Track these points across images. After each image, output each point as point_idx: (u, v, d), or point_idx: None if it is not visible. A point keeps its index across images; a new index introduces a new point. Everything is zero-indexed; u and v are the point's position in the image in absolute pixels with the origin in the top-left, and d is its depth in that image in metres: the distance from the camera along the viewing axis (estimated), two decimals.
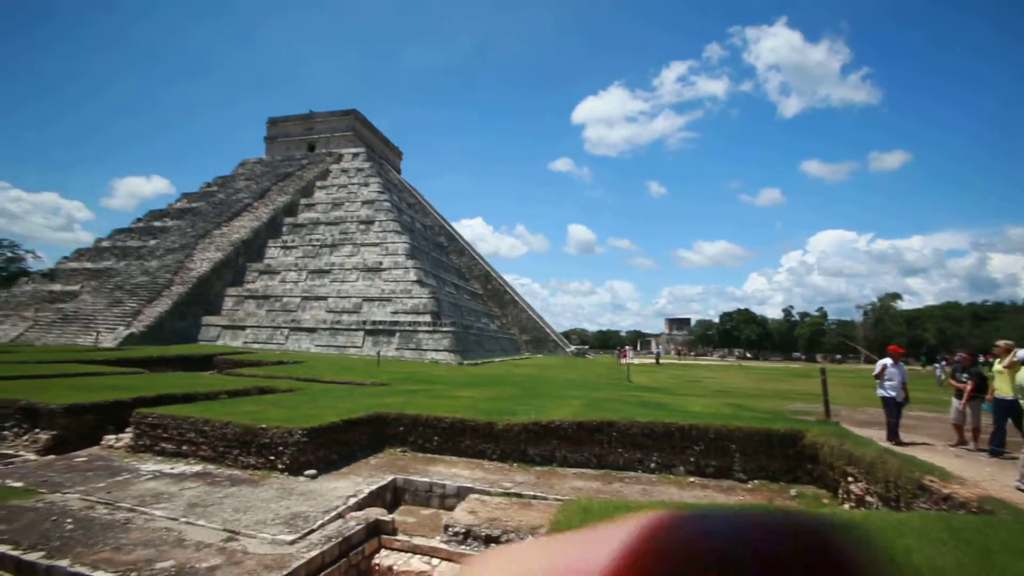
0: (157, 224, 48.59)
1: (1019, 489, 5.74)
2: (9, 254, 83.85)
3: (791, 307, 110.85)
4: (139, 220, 50.68)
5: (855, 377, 34.59)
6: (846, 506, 6.96)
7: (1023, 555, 3.67)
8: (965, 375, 8.95)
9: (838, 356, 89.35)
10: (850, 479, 7.03)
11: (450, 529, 5.73)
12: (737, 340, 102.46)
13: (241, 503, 6.18)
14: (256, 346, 32.92)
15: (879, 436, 8.89)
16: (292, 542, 5.18)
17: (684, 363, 57.74)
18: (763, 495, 7.69)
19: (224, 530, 5.39)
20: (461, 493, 7.19)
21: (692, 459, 8.60)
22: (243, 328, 35.34)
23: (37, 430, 8.96)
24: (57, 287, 41.43)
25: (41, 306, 38.84)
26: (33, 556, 4.57)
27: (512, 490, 7.28)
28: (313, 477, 7.22)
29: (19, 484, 6.52)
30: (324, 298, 36.59)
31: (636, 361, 44.43)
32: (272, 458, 7.40)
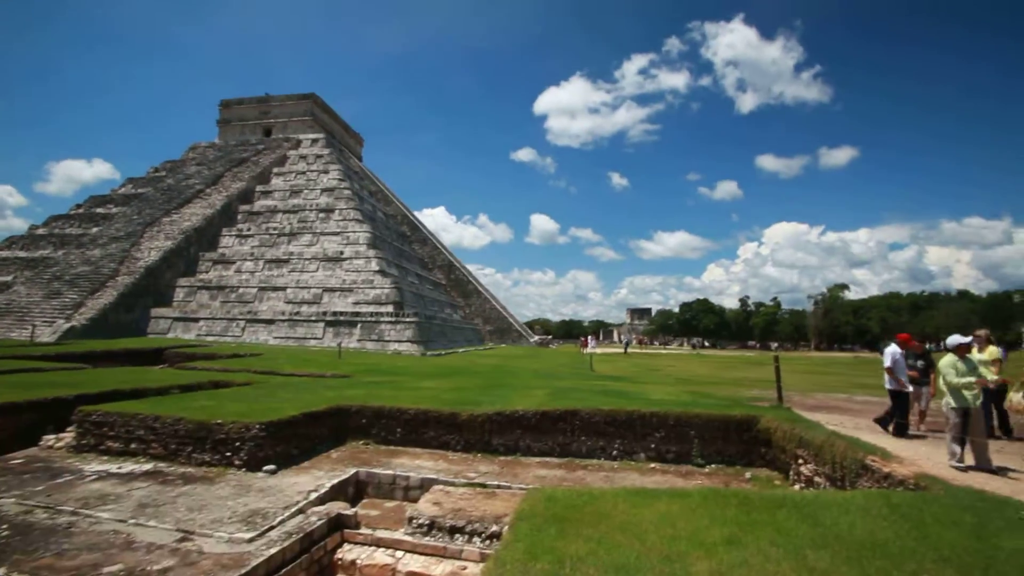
0: (100, 211, 45.94)
1: (952, 467, 6.14)
2: None
3: (747, 297, 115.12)
4: (79, 206, 47.80)
5: (807, 364, 36.27)
6: (796, 487, 7.30)
7: (953, 526, 3.95)
8: (921, 362, 9.25)
9: (788, 344, 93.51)
10: (800, 461, 7.38)
11: (414, 521, 5.69)
12: (696, 329, 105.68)
13: (195, 502, 5.97)
14: (210, 339, 31.74)
15: (827, 420, 9.31)
16: (250, 540, 5.04)
17: (645, 352, 59.16)
18: (720, 479, 7.98)
19: (177, 530, 5.19)
20: (425, 485, 7.16)
21: (653, 446, 8.82)
22: (196, 320, 33.99)
23: None
24: None
25: None
26: None
27: (476, 480, 7.30)
28: (272, 473, 7.04)
29: None
30: (283, 288, 35.58)
31: (599, 351, 45.22)
32: (228, 454, 7.17)
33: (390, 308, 32.65)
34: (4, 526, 5.05)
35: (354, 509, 6.25)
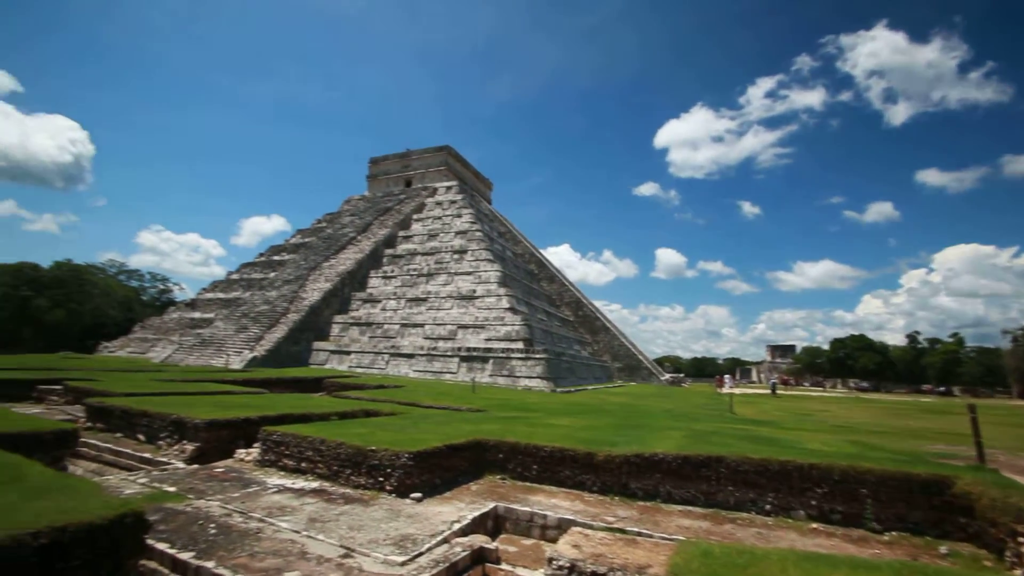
0: (276, 258, 53.94)
1: None
2: (161, 286, 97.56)
3: (917, 333, 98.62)
4: (261, 255, 56.62)
5: (1008, 415, 29.79)
6: (1017, 572, 5.93)
7: None
8: None
9: (983, 390, 77.52)
10: (1021, 540, 5.99)
11: (554, 562, 5.61)
12: (851, 369, 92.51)
13: (355, 521, 6.50)
14: (360, 370, 35.03)
15: None
16: (402, 563, 5.34)
17: (792, 393, 53.10)
18: (904, 550, 6.77)
19: (341, 546, 5.68)
20: (562, 525, 7.05)
21: (814, 502, 7.80)
22: (348, 353, 37.80)
23: (184, 441, 10.11)
24: (196, 315, 47.09)
25: (184, 331, 44.31)
26: (185, 556, 5.11)
27: (615, 524, 7.02)
28: (419, 500, 7.44)
29: (172, 489, 7.36)
30: (421, 325, 38.29)
31: (737, 391, 41.60)
32: (381, 479, 7.75)
33: (520, 344, 33.42)
34: (212, 526, 5.95)
35: (495, 544, 6.35)
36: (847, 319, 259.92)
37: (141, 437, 11.14)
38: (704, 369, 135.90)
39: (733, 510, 8.07)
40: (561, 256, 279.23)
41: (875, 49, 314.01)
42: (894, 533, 7.24)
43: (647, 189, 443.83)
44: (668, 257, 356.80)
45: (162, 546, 5.28)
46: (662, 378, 52.64)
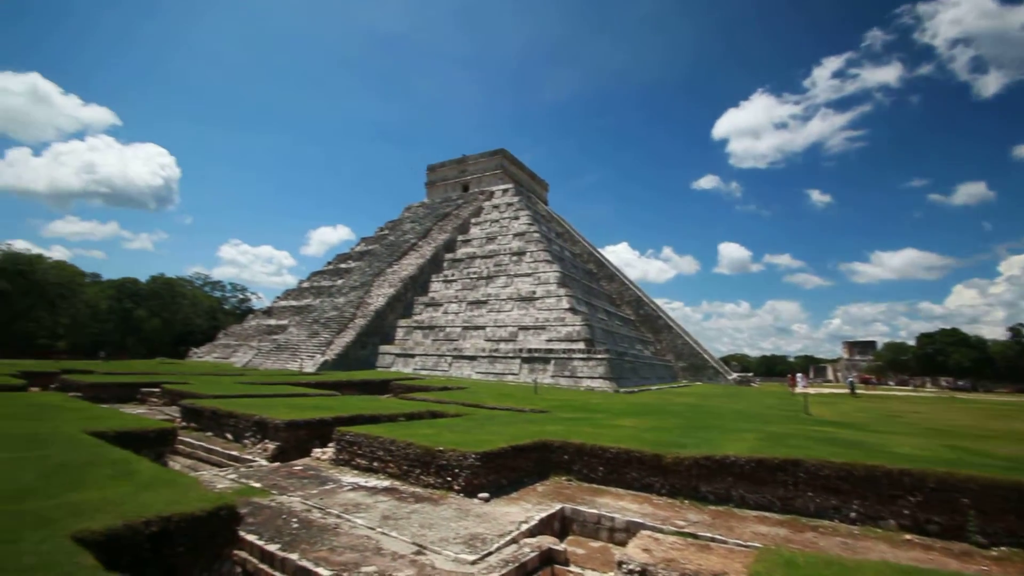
0: (343, 266, 56.44)
1: None
2: (241, 296, 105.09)
3: (1021, 325, 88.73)
4: (329, 263, 59.46)
5: None
6: None
7: None
8: None
9: None
10: None
11: (624, 566, 5.52)
12: (942, 367, 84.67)
13: (425, 519, 6.68)
14: (424, 372, 35.98)
15: None
16: (473, 562, 5.44)
17: (874, 393, 49.38)
18: (1017, 567, 6.14)
19: (413, 543, 5.86)
20: (631, 528, 6.94)
21: (906, 511, 7.23)
22: (412, 356, 38.93)
23: (266, 440, 10.79)
24: (272, 321, 50.09)
25: (262, 337, 47.25)
26: (272, 547, 5.45)
27: (686, 529, 6.82)
28: (486, 500, 7.55)
29: (258, 485, 7.88)
30: (482, 327, 38.81)
31: (811, 390, 39.20)
32: (449, 479, 7.93)
33: (581, 345, 33.17)
34: (294, 520, 6.31)
35: (563, 545, 6.33)
36: (935, 312, 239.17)
37: (228, 436, 11.99)
38: (774, 368, 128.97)
39: (814, 517, 7.63)
40: (619, 255, 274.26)
41: (958, 15, 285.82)
42: (1004, 548, 6.59)
43: (707, 182, 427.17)
44: (731, 252, 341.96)
45: (251, 537, 5.65)
46: (729, 377, 50.54)
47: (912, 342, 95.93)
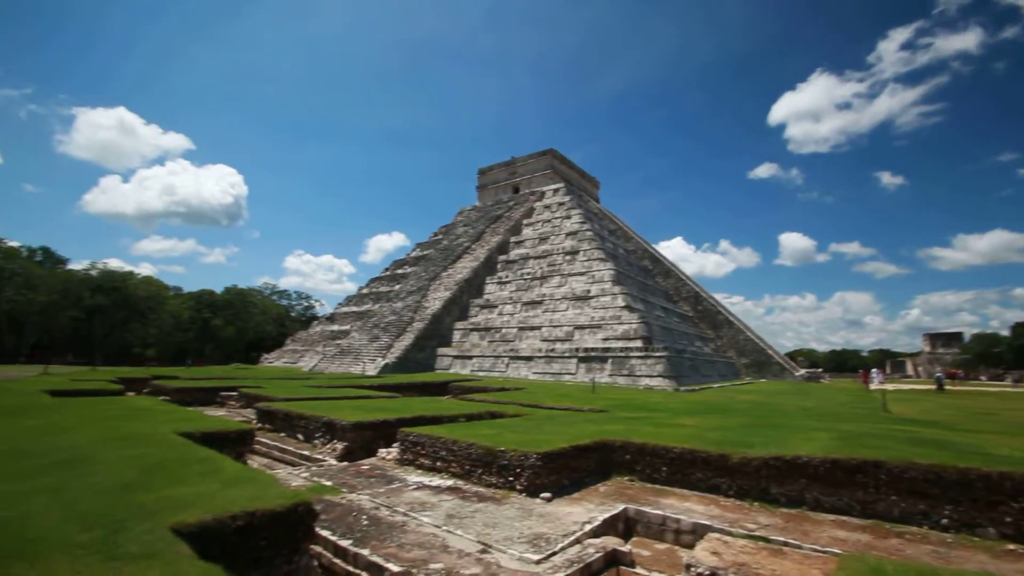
0: (400, 272, 58.08)
1: None
2: (305, 303, 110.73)
3: None
4: (386, 269, 61.32)
5: None
6: None
7: None
8: None
9: None
10: None
11: (692, 569, 5.38)
12: None
13: (489, 519, 6.77)
14: (481, 373, 36.41)
15: None
16: (537, 562, 5.46)
17: (962, 389, 45.41)
18: None
19: (478, 542, 5.95)
20: (698, 530, 6.75)
21: (1008, 519, 6.61)
22: (470, 357, 39.48)
23: (335, 441, 11.28)
24: (335, 327, 52.25)
25: (326, 342, 49.42)
26: (345, 543, 5.70)
27: (757, 532, 6.55)
28: (548, 500, 7.56)
29: (329, 483, 8.25)
30: (538, 328, 38.83)
31: (889, 386, 36.54)
32: (511, 479, 7.99)
33: (639, 343, 32.53)
34: (364, 517, 6.56)
35: (628, 546, 6.25)
36: None
37: (299, 436, 12.62)
38: (845, 363, 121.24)
39: (899, 522, 7.13)
40: (674, 250, 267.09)
41: None
42: None
43: (764, 171, 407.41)
44: (794, 242, 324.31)
45: (325, 533, 5.93)
46: (796, 374, 47.95)
47: (1006, 332, 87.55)
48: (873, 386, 34.45)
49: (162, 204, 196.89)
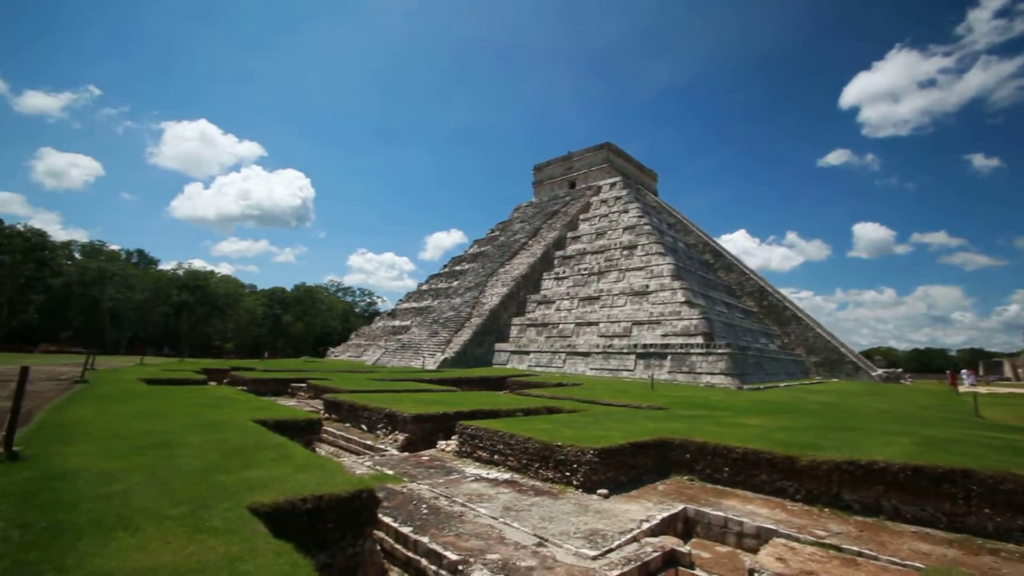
0: (458, 268, 59.11)
1: None
2: (368, 300, 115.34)
3: None
4: (445, 266, 62.59)
5: None
6: None
7: None
8: None
9: None
10: None
11: (756, 575, 5.19)
12: None
13: (545, 513, 6.81)
14: (539, 369, 36.50)
15: None
16: (594, 558, 5.44)
17: None
18: None
19: (534, 535, 6.00)
20: (762, 534, 6.48)
21: None
22: (527, 353, 39.66)
23: (396, 432, 11.70)
24: (396, 323, 53.96)
25: (388, 337, 51.14)
26: (405, 530, 5.91)
27: (827, 540, 6.21)
28: (605, 496, 7.50)
29: (390, 472, 8.58)
30: (595, 323, 38.44)
31: (983, 389, 33.39)
32: (567, 474, 7.99)
33: (699, 339, 31.51)
34: (424, 506, 6.78)
35: (687, 547, 6.10)
36: None
37: (363, 427, 13.17)
38: (930, 363, 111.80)
39: (993, 538, 6.54)
40: (737, 243, 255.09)
41: None
42: None
43: (836, 158, 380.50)
44: (870, 232, 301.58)
45: (387, 519, 6.18)
46: (873, 374, 44.72)
47: None
48: (963, 388, 31.66)
49: (238, 208, 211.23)
